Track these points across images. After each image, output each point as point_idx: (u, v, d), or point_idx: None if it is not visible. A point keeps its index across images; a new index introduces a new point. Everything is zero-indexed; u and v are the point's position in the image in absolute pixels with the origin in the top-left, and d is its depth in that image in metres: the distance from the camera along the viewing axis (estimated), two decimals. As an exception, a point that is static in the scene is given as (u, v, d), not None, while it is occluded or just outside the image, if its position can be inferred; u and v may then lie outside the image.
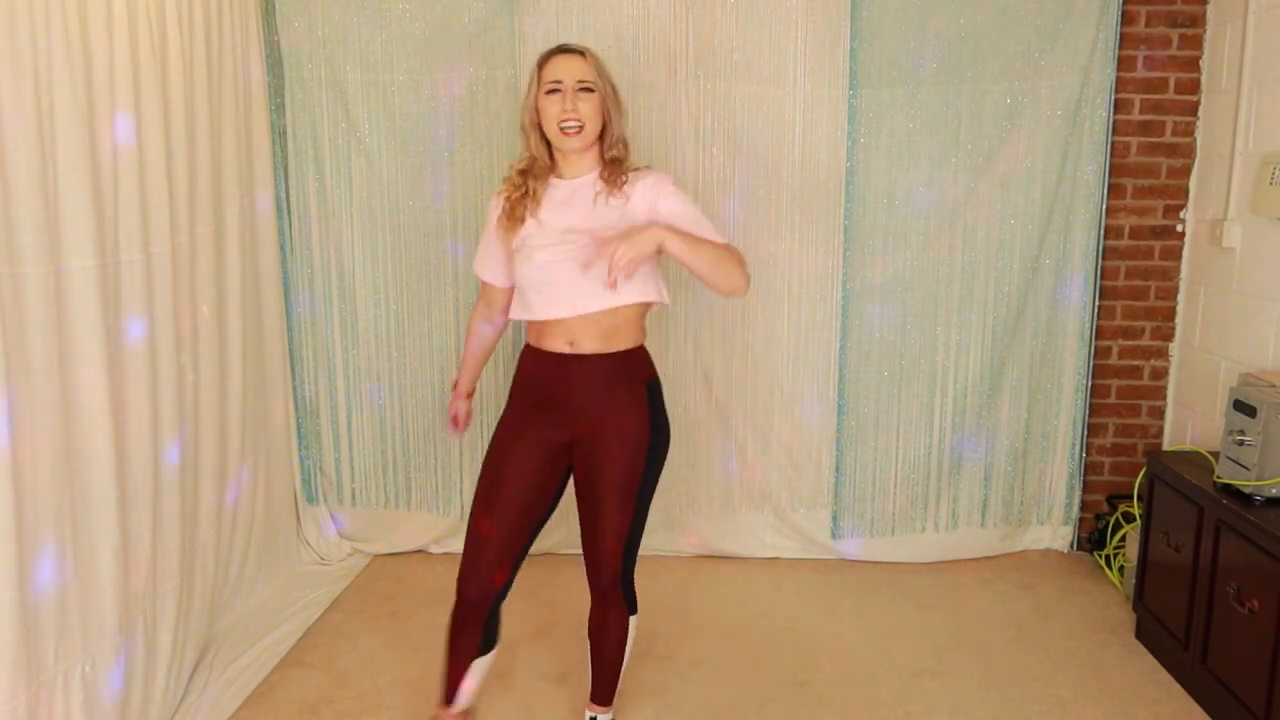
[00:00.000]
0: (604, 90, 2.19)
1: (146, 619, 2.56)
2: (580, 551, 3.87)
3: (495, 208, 2.31)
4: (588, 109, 2.16)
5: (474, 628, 2.28)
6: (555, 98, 2.15)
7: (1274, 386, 2.72)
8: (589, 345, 2.20)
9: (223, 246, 3.04)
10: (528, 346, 2.30)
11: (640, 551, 3.97)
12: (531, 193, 2.22)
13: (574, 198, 2.23)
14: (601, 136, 2.22)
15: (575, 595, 3.48)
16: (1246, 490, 2.60)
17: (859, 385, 3.68)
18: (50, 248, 2.14)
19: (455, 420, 2.60)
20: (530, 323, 2.27)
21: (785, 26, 3.47)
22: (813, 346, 3.67)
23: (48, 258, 2.13)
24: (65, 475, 2.22)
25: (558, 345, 2.22)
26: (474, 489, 2.40)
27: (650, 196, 2.23)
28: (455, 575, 2.31)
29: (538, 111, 2.19)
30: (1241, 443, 2.65)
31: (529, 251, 2.21)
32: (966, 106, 3.49)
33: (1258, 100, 3.19)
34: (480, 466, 2.30)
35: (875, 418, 3.70)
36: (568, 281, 2.17)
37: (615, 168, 2.24)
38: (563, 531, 3.81)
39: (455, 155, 3.58)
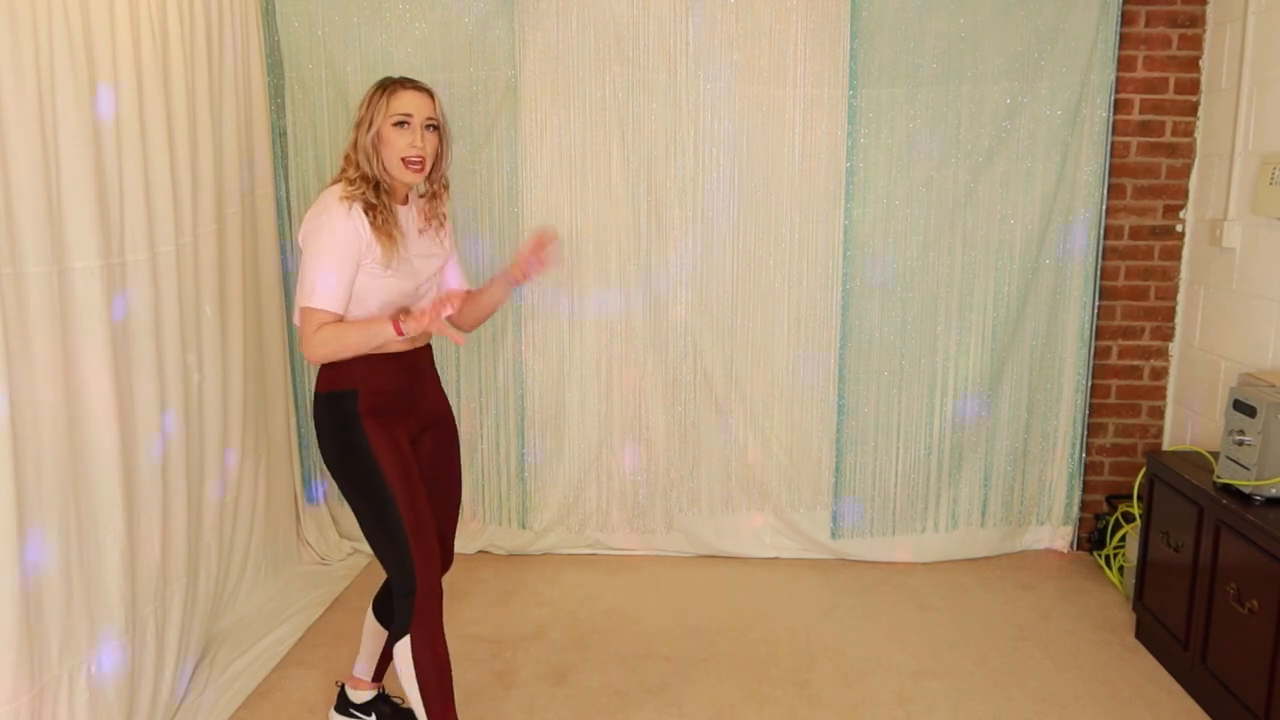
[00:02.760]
0: (445, 130, 2.26)
1: (157, 618, 2.57)
2: (584, 552, 3.90)
3: (354, 228, 2.12)
4: (430, 147, 2.21)
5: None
6: (404, 130, 2.17)
7: (1274, 386, 2.72)
8: (421, 342, 2.33)
9: (225, 246, 3.04)
10: (369, 359, 2.18)
11: (640, 551, 4.01)
12: (391, 211, 2.19)
13: (408, 224, 2.26)
14: (430, 173, 2.27)
15: (575, 595, 3.49)
16: (1246, 490, 2.60)
17: (859, 385, 3.68)
18: (54, 248, 2.14)
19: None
20: None
21: (785, 26, 3.47)
22: (813, 346, 3.67)
23: (51, 258, 2.13)
24: (70, 476, 2.22)
25: (404, 344, 2.24)
26: (459, 491, 2.53)
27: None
28: (453, 574, 2.32)
29: (379, 139, 2.17)
30: (1241, 443, 2.65)
31: (405, 269, 2.20)
32: (966, 106, 3.49)
33: (1258, 100, 3.19)
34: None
35: (875, 418, 3.70)
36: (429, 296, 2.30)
37: (435, 203, 2.33)
38: (561, 532, 3.82)
39: (455, 155, 3.56)
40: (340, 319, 2.13)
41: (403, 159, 2.17)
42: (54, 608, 2.18)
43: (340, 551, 3.78)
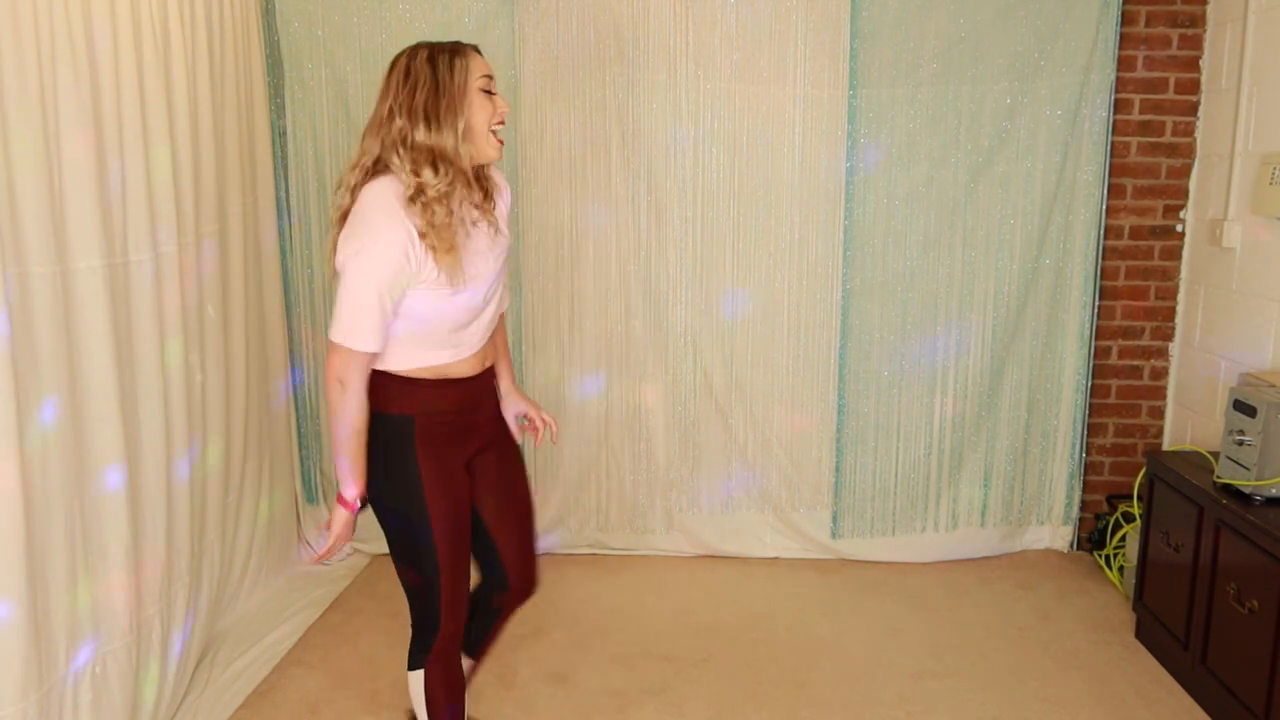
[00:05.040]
0: None
1: (163, 618, 2.57)
2: (583, 552, 3.90)
3: (406, 244, 1.81)
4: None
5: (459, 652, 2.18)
6: (491, 98, 1.91)
7: (1274, 386, 2.72)
8: (488, 362, 2.12)
9: (226, 246, 3.04)
10: (435, 385, 1.99)
11: (640, 551, 4.01)
12: (457, 212, 1.90)
13: (469, 220, 1.96)
14: None
15: (575, 595, 3.49)
16: (1246, 490, 2.60)
17: (859, 385, 3.68)
18: (57, 248, 2.15)
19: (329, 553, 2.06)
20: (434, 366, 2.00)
21: (785, 26, 3.47)
22: (813, 346, 3.67)
23: (55, 258, 2.14)
24: (75, 476, 2.22)
25: (472, 369, 2.05)
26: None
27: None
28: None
29: (469, 111, 1.87)
30: (1241, 443, 2.65)
31: (470, 278, 1.93)
32: (966, 106, 3.49)
33: (1258, 100, 3.19)
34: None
35: (875, 418, 3.70)
36: (494, 302, 2.07)
37: (493, 188, 2.04)
38: (561, 532, 3.82)
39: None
40: (376, 356, 1.91)
41: (492, 128, 1.91)
42: (60, 608, 2.18)
43: (340, 552, 3.77)
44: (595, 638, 3.15)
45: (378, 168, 1.89)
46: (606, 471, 3.78)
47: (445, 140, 1.85)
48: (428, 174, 1.83)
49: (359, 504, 1.99)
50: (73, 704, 2.23)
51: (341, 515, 1.98)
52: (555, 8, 3.48)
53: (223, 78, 3.01)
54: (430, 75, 1.85)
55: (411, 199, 1.83)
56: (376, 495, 2.01)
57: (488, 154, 1.94)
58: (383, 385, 1.95)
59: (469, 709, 2.69)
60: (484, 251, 1.97)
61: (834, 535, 3.78)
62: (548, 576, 3.59)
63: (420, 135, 1.84)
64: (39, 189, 2.09)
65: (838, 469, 3.74)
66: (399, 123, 1.85)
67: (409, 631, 2.11)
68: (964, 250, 3.59)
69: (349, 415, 1.90)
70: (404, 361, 1.95)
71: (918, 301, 3.61)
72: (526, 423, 2.32)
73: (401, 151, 1.84)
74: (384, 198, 1.84)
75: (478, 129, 1.90)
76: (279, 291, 3.55)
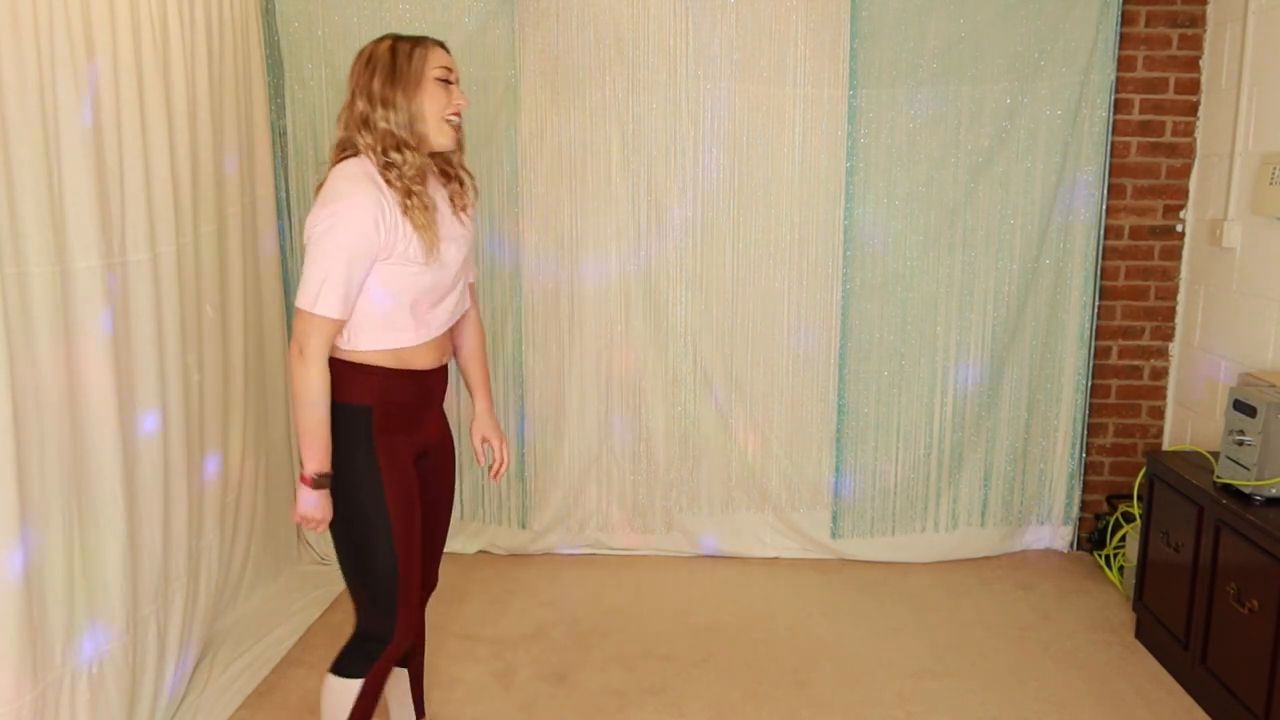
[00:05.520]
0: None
1: (158, 617, 2.57)
2: (583, 552, 3.90)
3: (378, 216, 1.86)
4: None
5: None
6: (447, 89, 1.96)
7: (1274, 386, 2.72)
8: (446, 359, 2.13)
9: (225, 246, 3.04)
10: (394, 374, 1.98)
11: (640, 551, 4.00)
12: (426, 192, 1.95)
13: (440, 204, 2.02)
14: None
15: (575, 595, 3.49)
16: (1246, 490, 2.60)
17: (859, 385, 3.68)
18: (56, 248, 2.15)
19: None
20: (396, 349, 1.98)
21: (785, 26, 3.47)
22: (813, 346, 3.67)
23: (54, 258, 2.14)
24: (72, 476, 2.23)
25: (432, 361, 2.04)
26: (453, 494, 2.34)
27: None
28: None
29: (421, 97, 1.93)
30: (1241, 443, 2.65)
31: (442, 260, 1.97)
32: (966, 106, 3.49)
33: (1258, 100, 3.19)
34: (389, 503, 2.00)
35: (875, 418, 3.70)
36: (459, 288, 2.09)
37: (459, 177, 2.09)
38: (561, 532, 3.82)
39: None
40: (343, 325, 1.91)
41: (446, 118, 1.96)
42: (56, 607, 2.18)
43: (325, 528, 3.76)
44: (595, 638, 3.15)
45: (347, 150, 1.95)
46: (606, 471, 3.78)
47: (399, 123, 1.91)
48: (395, 155, 1.90)
49: (323, 481, 1.92)
50: (69, 703, 2.23)
51: (307, 495, 1.92)
52: (555, 8, 3.48)
53: (221, 78, 3.01)
54: (389, 61, 1.93)
55: (384, 175, 1.89)
56: (332, 490, 1.97)
57: (440, 141, 1.98)
58: (340, 373, 1.94)
59: (472, 709, 2.70)
60: (453, 239, 2.01)
61: (834, 535, 3.78)
62: (548, 576, 3.60)
63: (379, 118, 1.90)
64: (38, 189, 2.08)
65: (838, 469, 3.74)
66: (360, 106, 1.92)
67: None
68: (964, 250, 3.59)
69: (310, 386, 1.88)
70: (366, 343, 1.94)
71: (918, 301, 3.61)
72: (490, 449, 2.32)
73: (364, 132, 1.91)
74: (352, 170, 1.90)
75: (430, 116, 1.95)
76: (279, 291, 3.55)
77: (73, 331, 2.22)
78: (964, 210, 3.56)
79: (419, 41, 1.98)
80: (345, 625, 3.21)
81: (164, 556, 2.59)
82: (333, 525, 1.99)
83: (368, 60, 1.95)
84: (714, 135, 3.55)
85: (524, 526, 3.81)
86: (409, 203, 1.89)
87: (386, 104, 1.91)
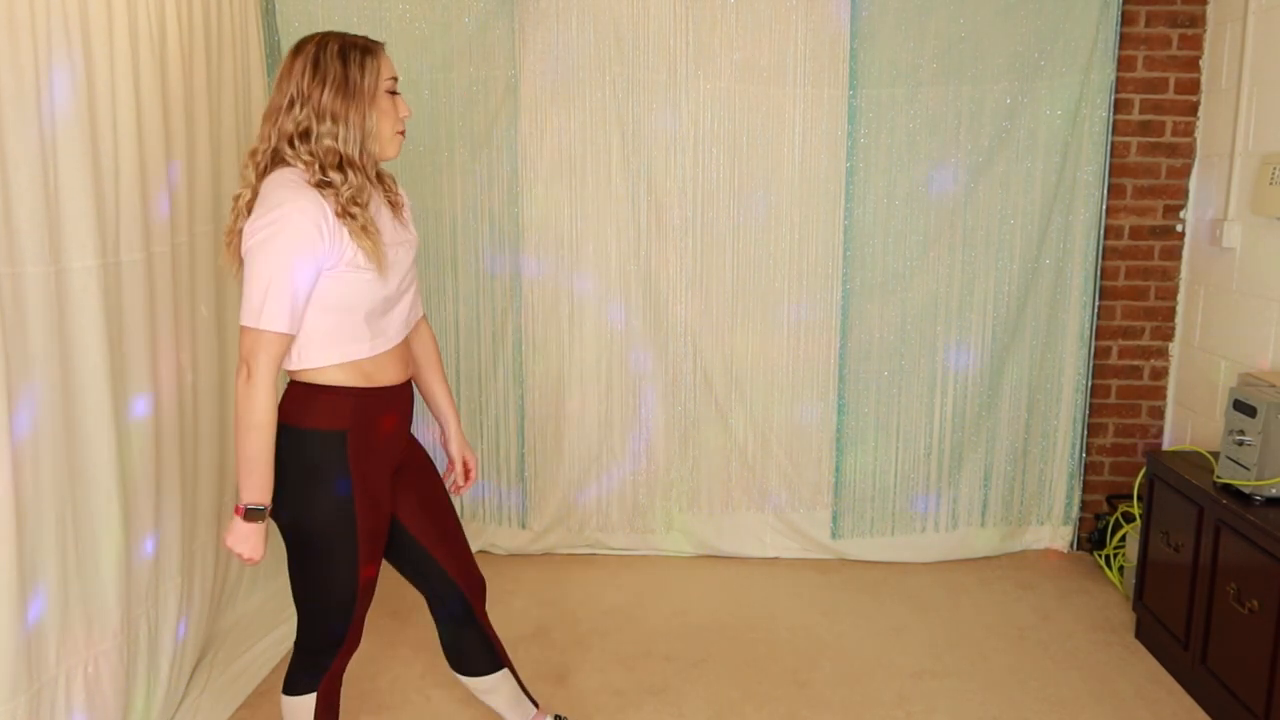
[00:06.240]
0: None
1: (149, 619, 2.56)
2: (583, 552, 3.89)
3: (320, 226, 1.74)
4: None
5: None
6: (396, 100, 1.87)
7: (1274, 386, 2.71)
8: (410, 372, 2.04)
9: (222, 247, 3.03)
10: (371, 393, 1.89)
11: (640, 551, 4.00)
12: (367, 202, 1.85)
13: (378, 212, 1.91)
14: None
15: (575, 595, 3.48)
16: (1246, 490, 2.60)
17: (859, 385, 3.68)
18: (52, 248, 2.15)
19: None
20: (356, 362, 1.87)
21: (785, 26, 3.47)
22: (813, 346, 3.67)
23: (49, 258, 2.13)
24: (67, 475, 2.22)
25: (397, 375, 1.95)
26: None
27: None
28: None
29: (375, 113, 1.82)
30: (1241, 443, 2.65)
31: (391, 265, 1.86)
32: (966, 106, 3.49)
33: (1258, 100, 3.18)
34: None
35: (875, 418, 3.70)
36: (411, 297, 1.99)
37: (390, 182, 1.99)
38: (561, 532, 3.82)
39: (454, 155, 3.58)
40: (291, 342, 1.78)
41: (397, 131, 1.87)
42: (51, 607, 2.18)
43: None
44: (595, 638, 3.15)
45: (275, 160, 1.81)
46: (606, 471, 3.78)
47: (348, 140, 1.78)
48: (334, 175, 1.77)
49: (258, 515, 1.80)
50: (65, 704, 2.23)
51: (240, 528, 1.79)
52: (555, 8, 3.47)
53: (220, 77, 3.01)
54: (341, 72, 1.78)
55: (319, 189, 1.76)
56: (296, 520, 1.86)
57: (390, 154, 1.89)
58: (310, 397, 1.83)
59: (472, 709, 2.69)
60: (398, 244, 1.91)
61: (834, 535, 3.78)
62: (548, 576, 3.60)
63: (323, 132, 1.77)
64: (34, 189, 2.08)
65: (838, 469, 3.74)
66: (300, 114, 1.77)
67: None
68: (964, 250, 3.59)
69: (255, 409, 1.73)
70: (320, 358, 1.82)
71: (918, 301, 3.61)
72: (458, 464, 2.26)
73: (299, 145, 1.77)
74: (290, 178, 1.77)
75: (384, 132, 1.85)
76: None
77: (67, 331, 2.21)
78: (964, 210, 3.56)
79: (369, 49, 1.84)
80: (345, 625, 3.22)
81: (155, 556, 2.58)
82: (289, 546, 1.89)
83: (314, 66, 1.78)
84: (714, 135, 3.54)
85: (524, 526, 3.81)
86: (350, 224, 1.77)
87: (336, 119, 1.77)
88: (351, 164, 1.79)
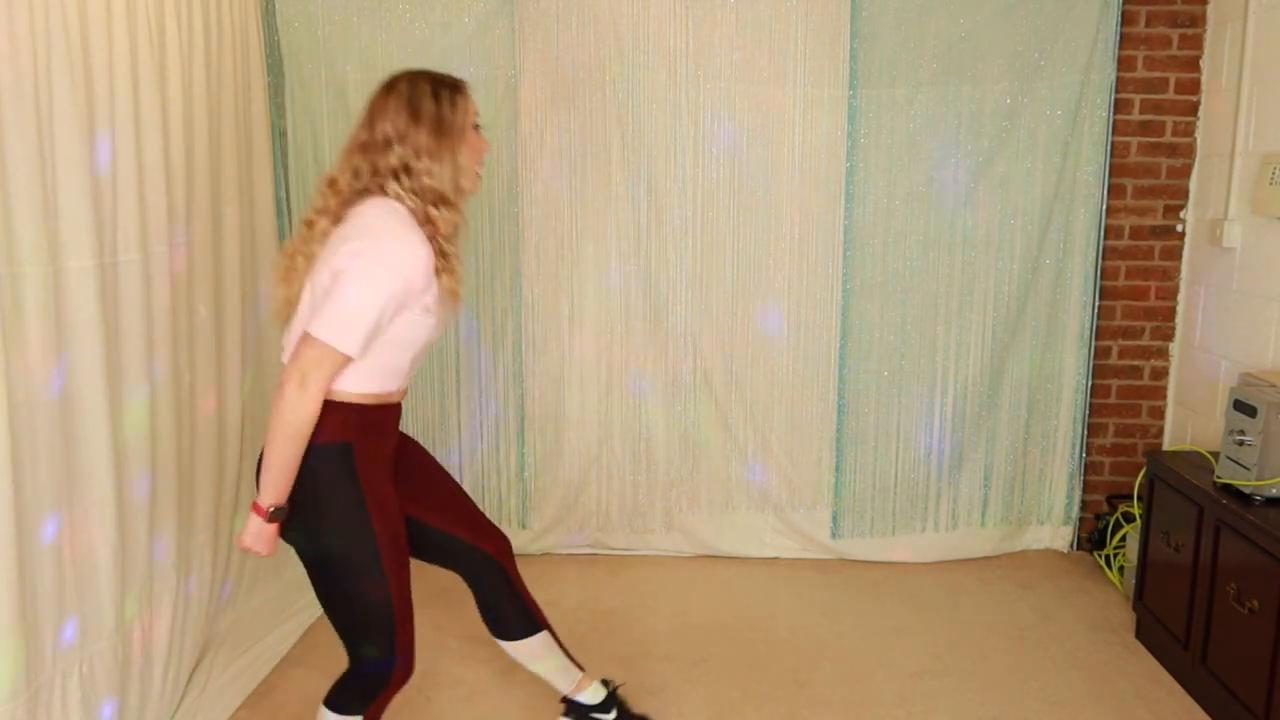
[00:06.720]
0: None
1: (143, 620, 2.56)
2: (583, 552, 3.89)
3: (422, 264, 1.79)
4: None
5: None
6: (478, 135, 1.94)
7: (1274, 386, 2.71)
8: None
9: (221, 246, 3.04)
10: (374, 409, 1.90)
11: (640, 551, 4.00)
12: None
13: None
14: None
15: (575, 595, 3.48)
16: (1246, 490, 2.60)
17: (859, 385, 3.68)
18: (49, 247, 2.14)
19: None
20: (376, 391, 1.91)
21: (785, 26, 3.47)
22: (813, 346, 3.67)
23: (47, 257, 2.13)
24: (64, 476, 2.22)
25: (397, 395, 1.97)
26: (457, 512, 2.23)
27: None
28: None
29: (464, 149, 1.88)
30: (1241, 443, 2.65)
31: (443, 305, 1.90)
32: (966, 106, 3.49)
33: (1258, 100, 3.18)
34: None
35: (875, 418, 3.70)
36: None
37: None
38: (561, 532, 3.82)
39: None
40: (349, 364, 1.81)
41: (479, 167, 1.94)
42: (48, 608, 2.18)
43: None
44: (595, 638, 3.15)
45: (364, 192, 1.85)
46: (606, 471, 3.78)
47: (444, 177, 1.84)
48: (433, 211, 1.83)
49: (279, 514, 1.84)
50: (61, 705, 2.22)
51: (259, 527, 1.83)
52: (555, 8, 3.47)
53: (219, 78, 3.01)
54: (435, 111, 1.84)
55: (424, 227, 1.81)
56: (311, 531, 1.87)
57: (472, 189, 1.94)
58: (324, 412, 1.82)
59: (472, 709, 2.69)
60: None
61: (834, 535, 3.78)
62: (548, 576, 3.59)
63: (423, 171, 1.82)
64: (32, 188, 2.08)
65: (838, 469, 3.74)
66: (398, 151, 1.83)
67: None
68: (964, 250, 3.59)
69: (300, 416, 1.76)
70: (355, 386, 1.84)
71: (918, 301, 3.61)
72: None
73: (403, 180, 1.82)
74: (395, 209, 1.81)
75: (469, 168, 1.90)
76: (278, 291, 3.55)
77: (65, 331, 2.21)
78: (964, 210, 3.56)
79: (456, 87, 1.90)
80: (345, 625, 3.22)
81: (148, 557, 2.58)
82: (313, 570, 1.91)
83: (409, 105, 1.84)
84: (714, 135, 3.54)
85: (524, 526, 3.81)
86: (440, 262, 1.82)
87: (433, 157, 1.83)
88: (447, 201, 1.84)
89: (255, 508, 1.83)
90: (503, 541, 2.26)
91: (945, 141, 3.51)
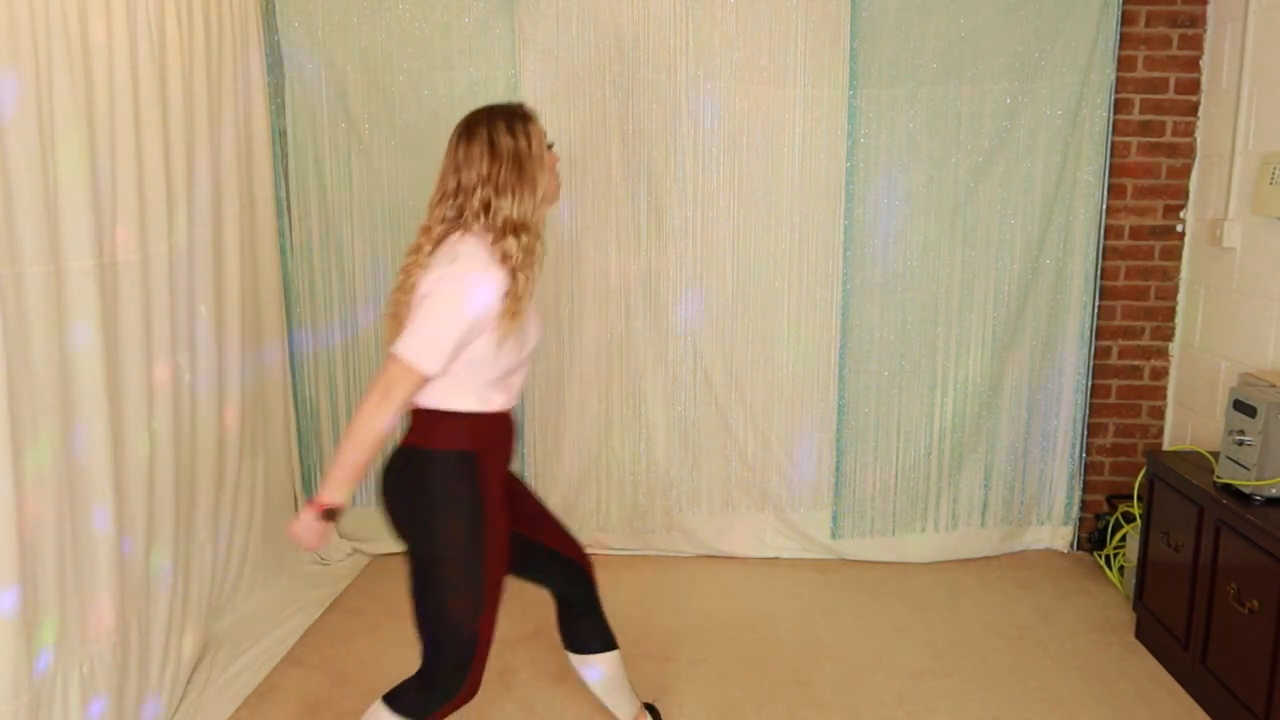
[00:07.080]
0: None
1: (140, 619, 2.56)
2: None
3: (496, 298, 1.89)
4: None
5: None
6: (551, 153, 2.03)
7: (1274, 386, 2.71)
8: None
9: (221, 246, 3.04)
10: (498, 418, 2.02)
11: (640, 551, 4.00)
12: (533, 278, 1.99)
13: None
14: None
15: (575, 595, 3.48)
16: (1246, 490, 2.60)
17: (859, 385, 3.68)
18: (50, 247, 2.14)
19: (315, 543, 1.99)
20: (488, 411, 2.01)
21: (785, 26, 3.47)
22: (813, 346, 3.67)
23: (48, 257, 2.13)
24: (65, 476, 2.22)
25: (504, 408, 2.06)
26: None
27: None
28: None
29: (544, 177, 1.99)
30: (1241, 443, 2.65)
31: (528, 329, 2.03)
32: (966, 106, 3.49)
33: (1258, 100, 3.18)
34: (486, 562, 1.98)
35: (875, 418, 3.70)
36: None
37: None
38: (563, 531, 3.82)
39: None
40: (426, 384, 1.91)
41: (558, 186, 2.06)
42: (48, 608, 2.18)
43: (340, 552, 3.77)
44: (595, 638, 3.14)
45: (453, 228, 1.96)
46: (607, 471, 3.78)
47: (527, 208, 1.94)
48: (509, 242, 1.91)
49: (334, 514, 1.92)
50: (62, 705, 2.23)
51: (312, 521, 1.91)
52: (555, 8, 3.47)
53: (220, 78, 3.01)
54: (513, 146, 1.94)
55: (500, 263, 1.91)
56: (429, 536, 1.94)
57: (555, 201, 2.06)
58: (441, 421, 1.94)
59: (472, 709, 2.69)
60: (532, 311, 2.05)
61: (834, 535, 3.78)
62: (547, 576, 3.59)
63: (503, 206, 1.92)
64: (33, 189, 2.08)
65: (838, 469, 3.74)
66: (481, 193, 1.93)
67: (409, 630, 2.07)
68: (964, 250, 3.59)
69: (376, 425, 1.86)
70: (457, 405, 1.95)
71: (918, 301, 3.61)
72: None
73: (483, 218, 1.93)
74: (481, 246, 1.91)
75: (549, 190, 2.01)
76: (278, 290, 3.55)
77: (65, 331, 2.21)
78: (964, 210, 3.56)
79: (528, 117, 1.99)
80: (346, 625, 3.22)
81: (146, 557, 2.58)
82: (416, 574, 1.97)
83: (490, 148, 1.93)
84: (714, 135, 3.54)
85: (524, 526, 3.81)
86: (511, 285, 1.91)
87: (514, 191, 1.93)
88: (525, 227, 1.93)
89: (314, 503, 1.91)
90: (587, 555, 2.34)
91: (945, 141, 3.51)
